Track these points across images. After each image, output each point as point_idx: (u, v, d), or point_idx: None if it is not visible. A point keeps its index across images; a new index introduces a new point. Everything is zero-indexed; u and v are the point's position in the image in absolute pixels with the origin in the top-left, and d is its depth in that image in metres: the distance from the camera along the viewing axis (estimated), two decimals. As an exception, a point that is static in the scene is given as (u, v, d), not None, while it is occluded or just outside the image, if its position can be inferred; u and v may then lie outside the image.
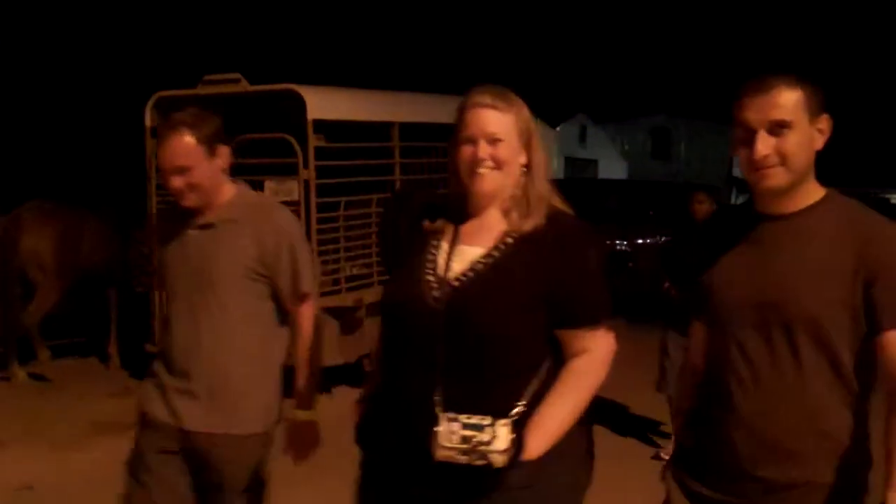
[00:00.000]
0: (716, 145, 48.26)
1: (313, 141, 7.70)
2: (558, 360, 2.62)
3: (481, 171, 2.60)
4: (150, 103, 8.40)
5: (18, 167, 16.85)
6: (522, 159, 2.65)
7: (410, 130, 8.87)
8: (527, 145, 2.65)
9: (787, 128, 2.43)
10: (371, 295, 8.19)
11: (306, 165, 7.69)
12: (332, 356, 7.88)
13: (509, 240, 2.62)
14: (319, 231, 7.83)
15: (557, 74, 41.97)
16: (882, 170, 53.42)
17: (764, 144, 2.42)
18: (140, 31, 22.66)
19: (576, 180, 26.94)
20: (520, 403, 2.51)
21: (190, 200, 3.33)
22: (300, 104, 7.68)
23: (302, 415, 3.55)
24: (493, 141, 2.60)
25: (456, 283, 2.59)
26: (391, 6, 32.49)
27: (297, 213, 7.76)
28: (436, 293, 2.58)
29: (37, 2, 21.27)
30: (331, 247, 8.06)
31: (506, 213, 2.64)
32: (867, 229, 2.44)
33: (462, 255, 2.64)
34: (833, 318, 2.40)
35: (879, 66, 57.53)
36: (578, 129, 41.87)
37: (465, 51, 34.90)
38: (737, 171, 48.67)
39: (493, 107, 2.62)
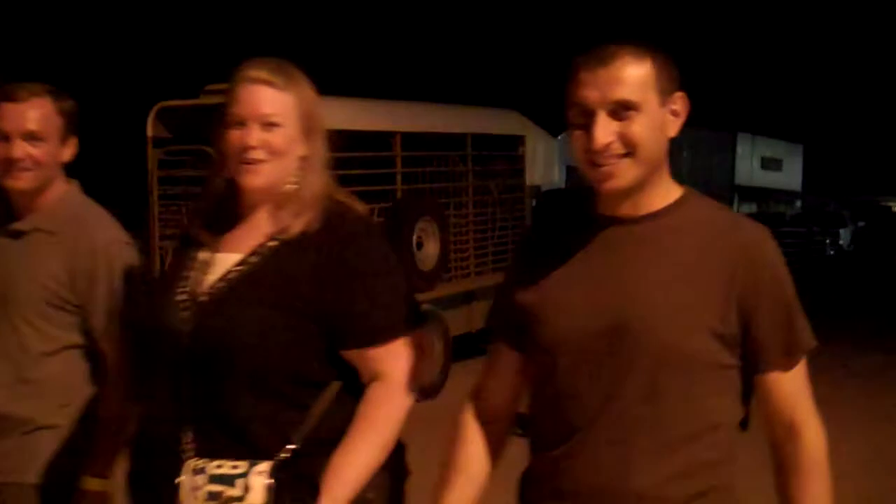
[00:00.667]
0: (717, 153, 48.30)
1: (315, 150, 7.70)
2: (354, 387, 2.19)
3: (251, 160, 2.15)
4: (151, 113, 8.41)
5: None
6: (302, 150, 2.22)
7: (413, 140, 8.87)
8: (308, 133, 2.22)
9: (634, 110, 1.90)
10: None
11: (308, 175, 7.69)
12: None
13: (272, 243, 2.18)
14: (321, 240, 7.83)
15: (558, 83, 41.98)
16: (882, 178, 53.50)
17: (605, 130, 1.89)
18: (142, 41, 22.72)
19: (577, 189, 26.90)
20: (289, 446, 2.09)
21: (21, 180, 2.74)
22: (302, 114, 7.68)
23: (92, 483, 2.79)
24: (268, 125, 2.16)
25: (203, 300, 2.16)
26: (391, 14, 32.54)
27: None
28: (183, 313, 2.16)
29: (40, 12, 21.32)
30: (332, 256, 8.06)
31: (275, 212, 2.21)
32: (739, 239, 1.96)
33: (219, 264, 2.21)
34: (699, 347, 1.90)
35: (881, 73, 57.52)
36: (580, 138, 41.71)
37: (466, 60, 34.96)
38: (739, 179, 48.89)
39: (270, 83, 2.17)
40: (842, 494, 5.85)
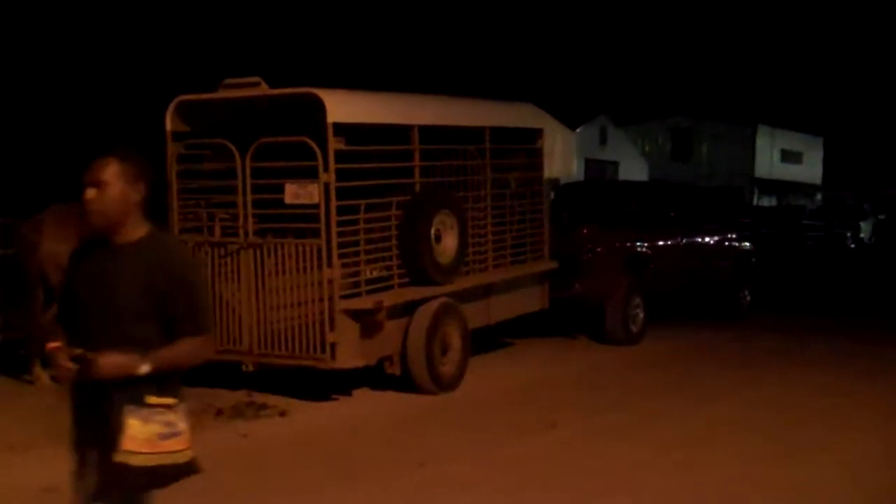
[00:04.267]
0: (737, 146, 48.07)
1: (333, 144, 7.71)
2: None
3: None
4: (171, 107, 8.44)
5: (40, 172, 16.97)
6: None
7: (431, 133, 8.87)
8: None
9: None
10: (391, 297, 8.19)
11: (326, 169, 7.70)
12: (352, 359, 7.89)
13: None
14: (340, 234, 7.83)
15: (577, 77, 41.83)
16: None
17: None
18: (160, 35, 22.77)
19: (596, 182, 26.85)
20: None
21: None
22: (320, 108, 7.69)
23: None
24: None
25: None
26: (412, 9, 32.49)
27: (317, 216, 7.78)
28: None
29: (59, 8, 21.40)
30: (351, 249, 8.06)
31: None
32: None
33: None
34: None
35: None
36: (599, 131, 41.80)
37: (486, 54, 34.87)
38: (759, 172, 48.48)
39: None
40: (863, 484, 5.72)
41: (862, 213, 33.98)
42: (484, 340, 10.00)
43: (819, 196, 51.51)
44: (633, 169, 42.64)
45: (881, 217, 35.93)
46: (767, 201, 45.62)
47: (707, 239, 13.20)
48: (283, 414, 7.66)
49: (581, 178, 35.57)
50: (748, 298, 13.89)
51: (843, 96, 57.74)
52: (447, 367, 8.62)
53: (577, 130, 39.97)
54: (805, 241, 24.59)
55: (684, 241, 12.59)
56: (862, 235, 31.70)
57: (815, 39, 55.41)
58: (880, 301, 16.52)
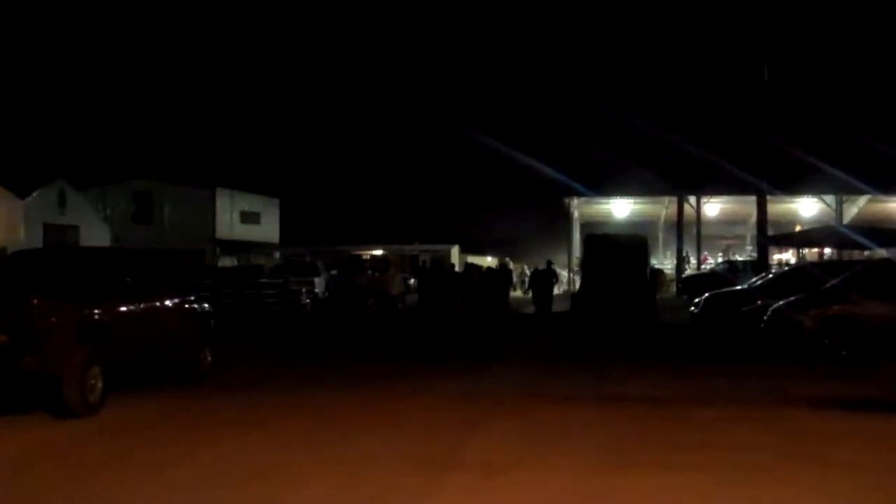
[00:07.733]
0: (198, 208, 49.04)
1: None
2: None
3: None
4: None
5: None
6: None
7: None
8: None
9: None
10: None
11: None
12: None
13: None
14: None
15: (32, 140, 39.96)
16: (352, 228, 57.74)
17: None
18: None
19: (51, 249, 25.75)
20: None
21: None
22: None
23: None
24: None
25: None
26: None
27: None
28: None
29: None
30: None
31: None
32: None
33: None
34: None
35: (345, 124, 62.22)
36: (57, 195, 40.21)
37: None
38: (220, 233, 49.68)
39: None
40: None
41: (316, 269, 36.39)
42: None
43: (277, 254, 54.11)
44: (96, 233, 41.57)
45: (333, 273, 38.74)
46: (229, 261, 46.90)
47: (166, 302, 13.35)
48: None
49: (39, 244, 33.89)
50: (209, 359, 14.21)
51: (296, 160, 61.61)
52: None
53: (33, 195, 38.16)
54: (264, 298, 25.78)
55: (143, 305, 12.62)
56: (316, 291, 33.89)
57: (273, 106, 58.64)
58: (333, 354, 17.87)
